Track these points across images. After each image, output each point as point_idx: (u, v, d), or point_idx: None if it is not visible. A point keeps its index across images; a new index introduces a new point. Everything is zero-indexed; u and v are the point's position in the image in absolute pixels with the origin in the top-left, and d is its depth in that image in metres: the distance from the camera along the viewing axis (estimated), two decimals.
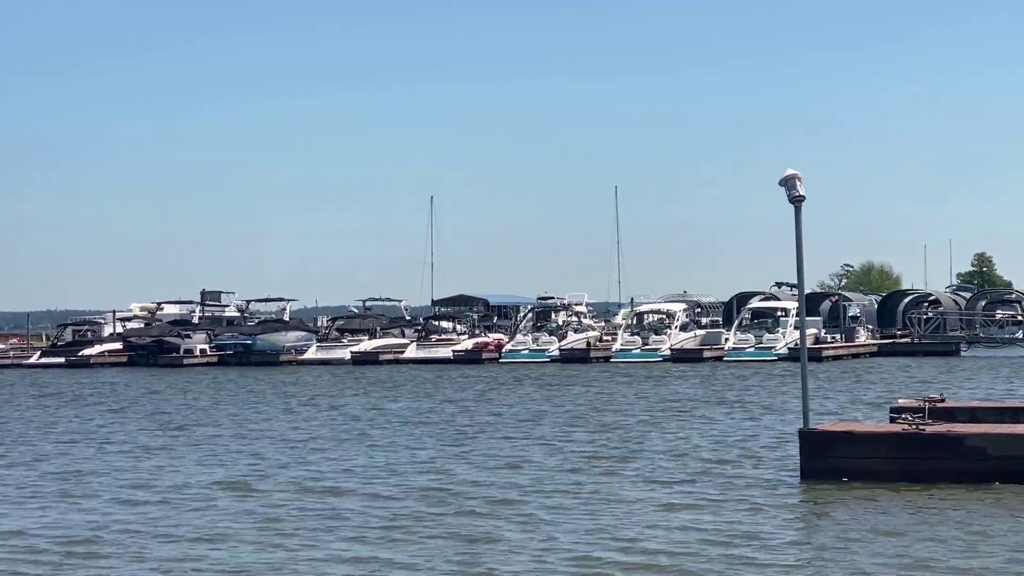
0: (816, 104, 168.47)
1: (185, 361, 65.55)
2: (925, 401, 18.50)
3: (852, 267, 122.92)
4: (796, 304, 61.34)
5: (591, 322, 72.01)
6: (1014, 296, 70.16)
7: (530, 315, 71.61)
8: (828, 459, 16.61)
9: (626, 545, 13.06)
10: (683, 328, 62.58)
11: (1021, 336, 60.09)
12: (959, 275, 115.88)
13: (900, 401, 20.77)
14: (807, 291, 74.32)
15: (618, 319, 76.31)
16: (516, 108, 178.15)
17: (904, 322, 66.99)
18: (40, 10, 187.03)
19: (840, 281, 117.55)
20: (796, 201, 17.38)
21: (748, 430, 24.34)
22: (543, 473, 18.54)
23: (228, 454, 22.25)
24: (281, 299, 77.06)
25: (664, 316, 65.79)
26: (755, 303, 65.93)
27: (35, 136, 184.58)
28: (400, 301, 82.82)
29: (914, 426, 16.66)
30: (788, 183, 17.35)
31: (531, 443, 22.77)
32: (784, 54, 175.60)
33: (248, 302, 77.60)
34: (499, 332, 70.42)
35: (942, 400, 19.53)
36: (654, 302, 74.83)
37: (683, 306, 66.67)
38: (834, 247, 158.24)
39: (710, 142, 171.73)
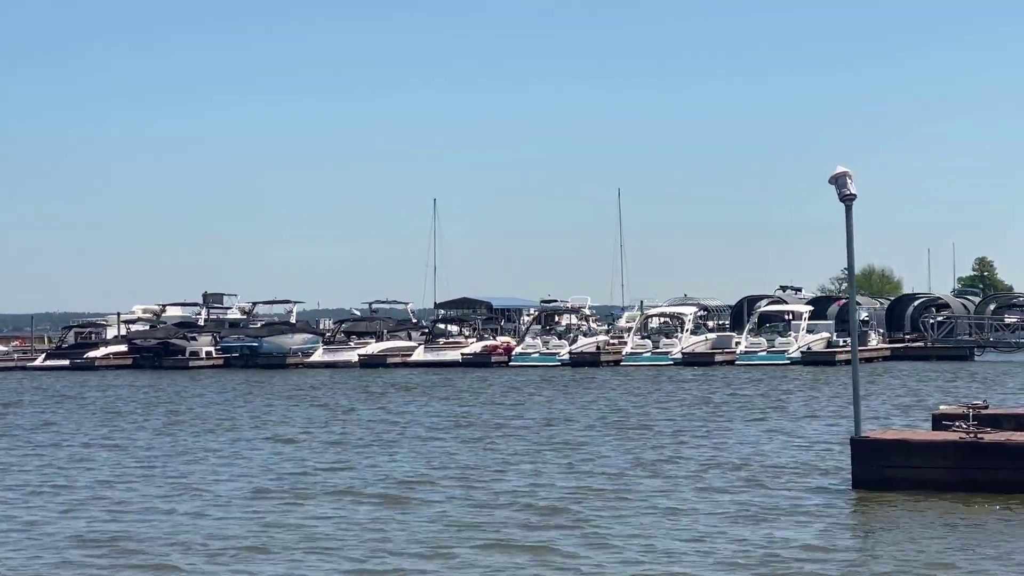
0: (817, 107, 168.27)
1: (191, 363, 65.15)
2: (969, 408, 17.93)
3: None
4: (806, 308, 61.76)
5: (596, 326, 71.60)
6: (1022, 301, 69.70)
7: (535, 318, 71.24)
8: (881, 468, 16.12)
9: (680, 556, 12.65)
10: (693, 332, 62.15)
11: None
12: (960, 279, 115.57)
13: (942, 407, 20.28)
14: (812, 295, 73.18)
15: (622, 322, 75.77)
16: (519, 110, 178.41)
17: (912, 326, 66.51)
18: (42, 9, 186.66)
19: (841, 285, 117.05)
20: (847, 200, 16.85)
21: (788, 436, 23.87)
22: (589, 480, 18.08)
23: (271, 459, 21.79)
24: (288, 301, 76.63)
25: (669, 319, 65.34)
26: (764, 307, 65.41)
27: (36, 137, 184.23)
28: (406, 304, 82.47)
29: (971, 434, 16.13)
30: (838, 181, 16.82)
31: (570, 450, 22.24)
32: (786, 58, 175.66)
33: (254, 304, 77.17)
34: (504, 335, 70.04)
35: (986, 407, 18.97)
36: (660, 305, 74.27)
37: (693, 309, 66.17)
38: (834, 250, 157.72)
39: (711, 145, 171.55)
